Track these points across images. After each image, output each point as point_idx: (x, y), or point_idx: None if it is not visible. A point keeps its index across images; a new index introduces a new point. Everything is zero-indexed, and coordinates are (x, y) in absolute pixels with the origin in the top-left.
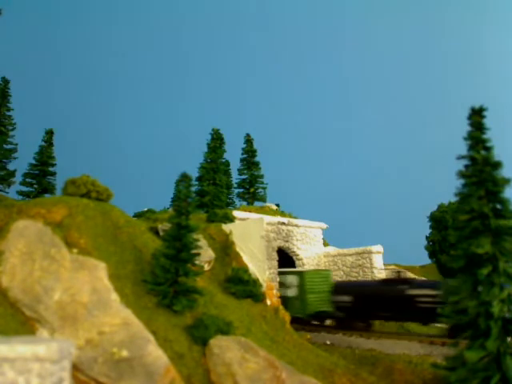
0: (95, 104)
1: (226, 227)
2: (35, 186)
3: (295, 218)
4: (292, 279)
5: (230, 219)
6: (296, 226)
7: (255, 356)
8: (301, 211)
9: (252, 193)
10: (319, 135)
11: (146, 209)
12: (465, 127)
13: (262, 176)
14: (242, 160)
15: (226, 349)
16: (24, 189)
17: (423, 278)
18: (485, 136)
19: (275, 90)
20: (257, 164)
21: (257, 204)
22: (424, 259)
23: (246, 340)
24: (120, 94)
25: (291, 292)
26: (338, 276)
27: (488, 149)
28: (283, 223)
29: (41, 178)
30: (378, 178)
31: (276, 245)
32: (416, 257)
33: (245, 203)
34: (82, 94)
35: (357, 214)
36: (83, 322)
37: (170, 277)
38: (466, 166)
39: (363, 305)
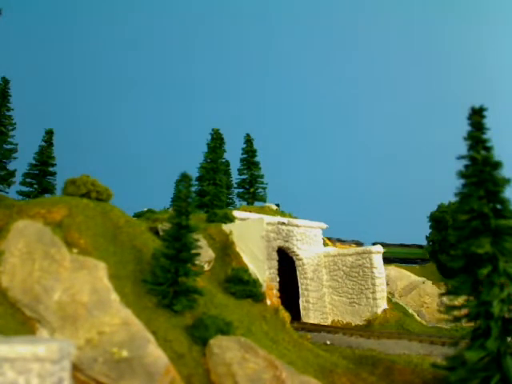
0: (95, 104)
1: (226, 227)
2: (35, 186)
3: (295, 218)
4: None
5: (230, 219)
6: (296, 225)
7: (255, 356)
8: (301, 211)
9: (252, 193)
10: (319, 135)
11: (145, 209)
12: (465, 127)
13: (262, 176)
14: (241, 160)
15: (226, 349)
16: (24, 189)
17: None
18: (485, 136)
19: (275, 90)
20: (257, 164)
21: (257, 204)
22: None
23: (246, 340)
24: (120, 94)
25: None
26: (338, 276)
27: (488, 149)
28: (283, 223)
29: (41, 178)
30: (378, 177)
31: (276, 245)
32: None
33: (245, 203)
34: (82, 93)
35: (356, 214)
36: (83, 321)
37: (170, 277)
38: (466, 166)
39: None
